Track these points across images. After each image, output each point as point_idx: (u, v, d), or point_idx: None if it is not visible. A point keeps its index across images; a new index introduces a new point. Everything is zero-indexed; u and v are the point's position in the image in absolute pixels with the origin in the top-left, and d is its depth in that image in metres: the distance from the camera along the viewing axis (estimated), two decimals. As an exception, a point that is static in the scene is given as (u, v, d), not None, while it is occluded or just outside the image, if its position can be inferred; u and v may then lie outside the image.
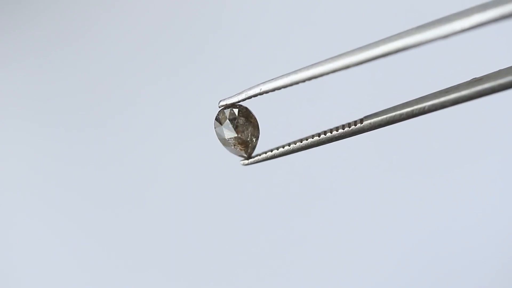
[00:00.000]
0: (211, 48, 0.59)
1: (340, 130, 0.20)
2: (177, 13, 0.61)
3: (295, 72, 0.19)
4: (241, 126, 0.21)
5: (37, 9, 0.63)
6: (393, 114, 0.20)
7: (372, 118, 0.20)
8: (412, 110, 0.19)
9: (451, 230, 0.53)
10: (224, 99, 0.21)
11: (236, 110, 0.21)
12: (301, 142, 0.21)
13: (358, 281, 0.55)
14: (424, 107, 0.19)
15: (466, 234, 0.52)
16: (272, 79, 0.19)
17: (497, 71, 0.18)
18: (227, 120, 0.21)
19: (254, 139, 0.22)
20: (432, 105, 0.19)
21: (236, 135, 0.21)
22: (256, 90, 0.20)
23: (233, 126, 0.21)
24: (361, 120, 0.20)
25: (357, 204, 0.55)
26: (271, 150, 0.22)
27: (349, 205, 0.55)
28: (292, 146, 0.21)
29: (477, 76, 0.18)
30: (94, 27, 0.62)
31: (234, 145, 0.22)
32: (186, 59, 0.60)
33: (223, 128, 0.21)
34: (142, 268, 0.59)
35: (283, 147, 0.21)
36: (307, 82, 0.19)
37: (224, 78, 0.59)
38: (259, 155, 0.22)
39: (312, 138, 0.21)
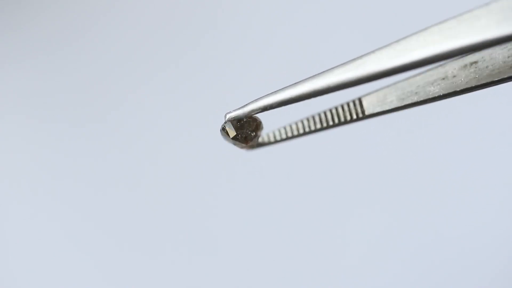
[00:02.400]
0: (218, 51, 0.59)
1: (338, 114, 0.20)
2: (184, 14, 0.61)
3: (304, 80, 0.18)
4: (249, 136, 0.21)
5: (37, 9, 0.63)
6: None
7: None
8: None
9: (451, 230, 0.53)
10: (230, 112, 0.20)
11: (242, 124, 0.21)
12: (303, 124, 0.20)
13: (358, 282, 0.55)
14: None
15: (467, 234, 0.52)
16: (279, 90, 0.18)
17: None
18: (234, 132, 0.21)
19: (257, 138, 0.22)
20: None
21: (243, 145, 0.21)
22: (264, 103, 0.19)
23: (238, 137, 0.21)
24: (360, 100, 0.20)
25: (358, 205, 0.55)
26: (274, 134, 0.21)
27: (349, 205, 0.55)
28: (294, 129, 0.21)
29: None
30: (96, 26, 0.62)
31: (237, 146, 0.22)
32: (192, 60, 0.60)
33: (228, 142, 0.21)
34: (144, 263, 0.59)
35: (285, 129, 0.21)
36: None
37: (229, 81, 0.59)
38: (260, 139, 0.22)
39: (314, 121, 0.20)
